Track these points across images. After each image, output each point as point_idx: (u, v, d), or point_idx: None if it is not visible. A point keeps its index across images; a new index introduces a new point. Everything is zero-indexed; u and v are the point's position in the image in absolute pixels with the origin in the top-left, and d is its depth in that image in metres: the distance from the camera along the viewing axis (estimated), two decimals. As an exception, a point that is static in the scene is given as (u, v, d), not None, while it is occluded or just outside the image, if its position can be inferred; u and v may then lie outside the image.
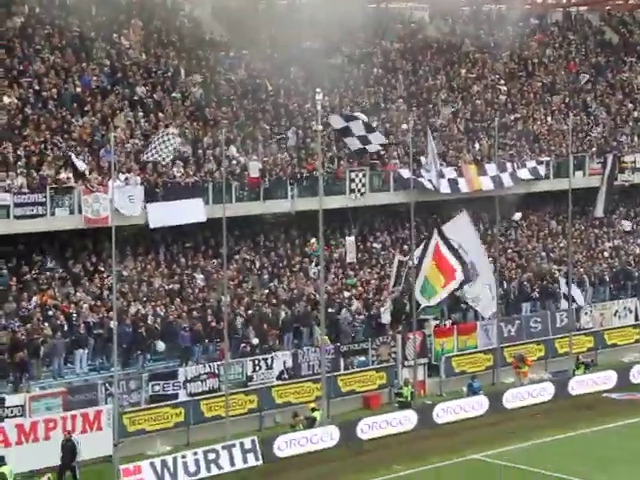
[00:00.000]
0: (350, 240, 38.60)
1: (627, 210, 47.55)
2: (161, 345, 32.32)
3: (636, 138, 48.02)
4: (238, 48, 43.19)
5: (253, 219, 37.23)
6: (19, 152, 32.94)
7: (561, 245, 43.28)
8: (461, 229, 35.51)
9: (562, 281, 39.39)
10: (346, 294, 36.57)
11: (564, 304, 38.98)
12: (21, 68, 36.11)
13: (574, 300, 38.69)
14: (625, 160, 46.05)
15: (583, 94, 50.43)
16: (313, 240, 37.01)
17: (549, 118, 47.82)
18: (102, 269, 33.40)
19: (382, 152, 40.35)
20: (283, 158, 38.43)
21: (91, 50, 38.70)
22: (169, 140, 31.23)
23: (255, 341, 33.43)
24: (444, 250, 34.00)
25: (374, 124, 40.71)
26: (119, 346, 30.05)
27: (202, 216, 34.59)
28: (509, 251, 42.12)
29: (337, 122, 35.88)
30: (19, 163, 32.62)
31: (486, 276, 35.59)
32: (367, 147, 35.72)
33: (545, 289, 40.49)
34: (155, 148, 31.13)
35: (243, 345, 33.21)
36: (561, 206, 42.27)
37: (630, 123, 49.38)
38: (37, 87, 35.68)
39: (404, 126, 42.49)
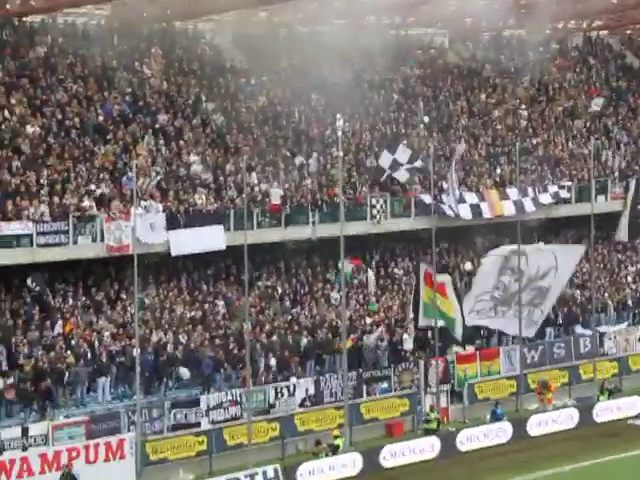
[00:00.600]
0: (370, 274, 38.61)
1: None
2: (185, 372, 32.31)
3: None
4: (258, 75, 43.40)
5: (274, 246, 37.27)
6: (42, 181, 33.15)
7: (584, 270, 43.05)
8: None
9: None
10: (368, 320, 36.50)
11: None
12: (44, 97, 36.42)
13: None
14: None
15: (604, 118, 50.31)
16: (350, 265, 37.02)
17: (570, 143, 47.72)
18: (124, 297, 33.47)
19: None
20: (305, 185, 38.50)
21: (113, 79, 39.00)
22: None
23: (276, 367, 33.35)
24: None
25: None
26: (141, 374, 30.08)
27: (222, 244, 34.68)
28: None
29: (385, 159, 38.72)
30: (42, 192, 32.82)
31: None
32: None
33: (569, 314, 40.26)
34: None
35: (264, 372, 33.16)
36: (583, 231, 42.07)
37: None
38: (60, 116, 35.95)
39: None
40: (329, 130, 41.16)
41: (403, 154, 39.67)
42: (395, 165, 39.58)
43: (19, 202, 31.96)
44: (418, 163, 39.56)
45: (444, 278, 34.87)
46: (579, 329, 39.96)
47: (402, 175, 39.96)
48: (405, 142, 41.66)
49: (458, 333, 34.58)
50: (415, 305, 35.13)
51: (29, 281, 32.15)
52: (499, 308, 35.45)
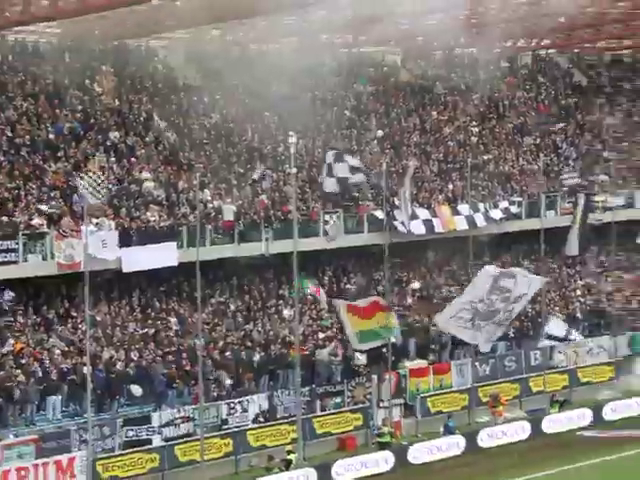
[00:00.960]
0: (322, 292, 38.85)
1: (599, 249, 47.88)
2: (137, 389, 32.17)
3: (606, 178, 48.49)
4: (211, 93, 43.55)
5: (227, 262, 37.31)
6: (-9, 199, 33.01)
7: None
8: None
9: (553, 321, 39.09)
10: (321, 335, 36.63)
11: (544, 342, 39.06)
12: (-6, 115, 36.29)
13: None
14: (596, 200, 46.44)
15: (553, 135, 51.03)
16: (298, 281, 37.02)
17: (520, 159, 48.32)
18: (75, 314, 33.32)
19: (356, 194, 40.85)
20: (258, 201, 38.63)
21: (64, 97, 38.94)
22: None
23: (228, 382, 33.35)
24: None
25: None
26: (93, 392, 29.90)
27: (175, 260, 34.62)
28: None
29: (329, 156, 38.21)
30: (-9, 210, 32.68)
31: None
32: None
33: (520, 328, 40.64)
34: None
35: (217, 388, 33.15)
36: (534, 245, 42.59)
37: (600, 163, 49.90)
38: (10, 134, 35.81)
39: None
40: (282, 147, 41.33)
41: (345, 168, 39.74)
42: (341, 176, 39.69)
43: (-32, 220, 31.81)
44: (358, 177, 39.56)
45: (376, 298, 35.16)
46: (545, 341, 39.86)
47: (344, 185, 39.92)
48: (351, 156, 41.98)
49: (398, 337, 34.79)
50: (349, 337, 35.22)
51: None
52: (476, 321, 35.62)
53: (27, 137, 35.97)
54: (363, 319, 34.11)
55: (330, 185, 38.91)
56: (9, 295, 32.59)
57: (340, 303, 35.29)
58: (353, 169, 38.42)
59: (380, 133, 45.42)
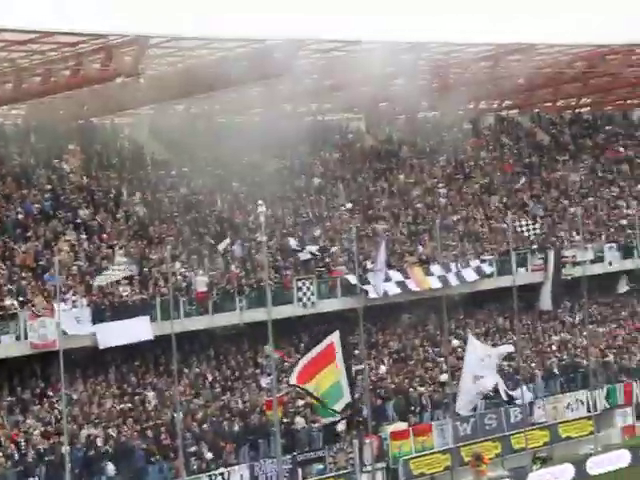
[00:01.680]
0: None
1: (572, 303, 48.15)
2: (110, 467, 31.65)
3: (574, 233, 48.98)
4: (179, 166, 43.83)
5: (202, 333, 37.17)
6: (-37, 281, 32.85)
7: (510, 341, 43.57)
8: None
9: (501, 387, 39.18)
10: (300, 402, 36.40)
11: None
12: (-38, 198, 36.30)
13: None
14: (565, 255, 46.83)
15: (520, 193, 51.59)
16: (267, 347, 36.70)
17: (488, 218, 48.75)
18: (51, 393, 33.00)
19: (328, 259, 41.05)
20: (230, 271, 38.65)
21: (32, 176, 39.03)
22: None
23: (209, 456, 33.01)
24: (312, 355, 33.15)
25: (317, 232, 41.79)
26: (71, 471, 29.51)
27: (149, 334, 34.54)
28: (459, 350, 42.30)
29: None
30: (-37, 292, 32.50)
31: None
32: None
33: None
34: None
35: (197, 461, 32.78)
36: (506, 302, 42.79)
37: (567, 219, 50.42)
38: (-21, 216, 35.81)
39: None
40: (252, 216, 41.52)
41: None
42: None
43: (-60, 303, 31.60)
44: (314, 248, 40.44)
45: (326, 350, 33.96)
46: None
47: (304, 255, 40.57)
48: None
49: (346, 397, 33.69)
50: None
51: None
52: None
53: (-4, 218, 35.96)
54: (319, 374, 32.80)
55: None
56: None
57: (292, 377, 33.10)
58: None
59: (349, 205, 45.53)
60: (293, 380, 32.63)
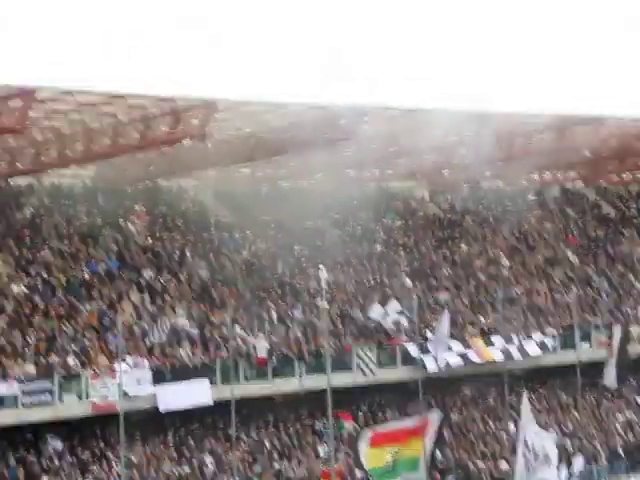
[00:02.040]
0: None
1: (638, 382, 47.06)
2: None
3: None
4: (242, 229, 43.99)
5: (261, 398, 36.91)
6: (28, 340, 32.98)
7: (573, 418, 42.67)
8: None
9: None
10: (358, 474, 35.83)
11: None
12: (30, 257, 36.62)
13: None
14: (631, 331, 45.91)
15: (585, 267, 50.89)
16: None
17: (552, 291, 48.10)
18: (110, 455, 32.88)
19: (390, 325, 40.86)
20: (290, 337, 38.46)
21: (98, 236, 39.38)
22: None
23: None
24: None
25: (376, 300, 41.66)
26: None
27: (209, 398, 34.41)
28: (520, 425, 41.47)
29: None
30: (27, 351, 32.61)
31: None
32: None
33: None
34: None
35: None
36: (570, 378, 41.99)
37: (633, 294, 49.55)
38: (45, 275, 36.07)
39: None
40: (313, 281, 41.41)
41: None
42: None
43: (4, 362, 31.72)
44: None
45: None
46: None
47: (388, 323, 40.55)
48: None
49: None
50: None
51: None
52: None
53: (62, 277, 36.19)
54: (406, 441, 32.37)
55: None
56: (56, 442, 32.20)
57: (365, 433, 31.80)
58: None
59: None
60: (365, 441, 31.98)
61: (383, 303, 41.86)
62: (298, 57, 74.38)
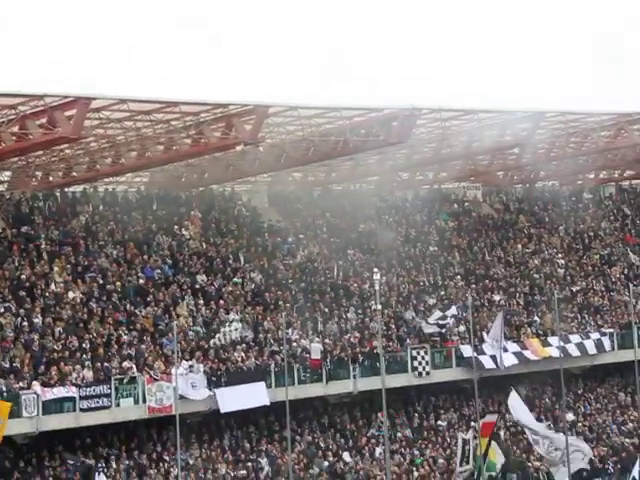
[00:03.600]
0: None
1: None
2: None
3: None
4: (295, 233, 44.19)
5: (316, 400, 37.05)
6: (84, 345, 33.50)
7: (632, 417, 42.20)
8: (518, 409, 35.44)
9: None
10: (415, 474, 35.83)
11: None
12: (86, 264, 37.19)
13: None
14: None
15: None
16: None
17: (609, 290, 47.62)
18: (167, 458, 33.22)
19: (443, 330, 40.68)
20: (345, 339, 38.57)
21: (153, 242, 39.84)
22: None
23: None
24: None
25: (431, 301, 41.62)
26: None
27: (266, 400, 34.66)
28: (579, 425, 41.15)
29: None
30: (84, 356, 33.13)
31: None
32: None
33: (619, 463, 39.22)
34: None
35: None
36: (628, 377, 41.52)
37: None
38: (101, 281, 36.59)
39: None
40: (367, 284, 41.47)
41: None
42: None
43: (62, 367, 32.26)
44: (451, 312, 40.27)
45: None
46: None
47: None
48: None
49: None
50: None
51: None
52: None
53: (118, 283, 36.69)
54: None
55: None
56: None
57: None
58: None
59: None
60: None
61: (439, 306, 41.76)
62: (298, 57, 74.28)
